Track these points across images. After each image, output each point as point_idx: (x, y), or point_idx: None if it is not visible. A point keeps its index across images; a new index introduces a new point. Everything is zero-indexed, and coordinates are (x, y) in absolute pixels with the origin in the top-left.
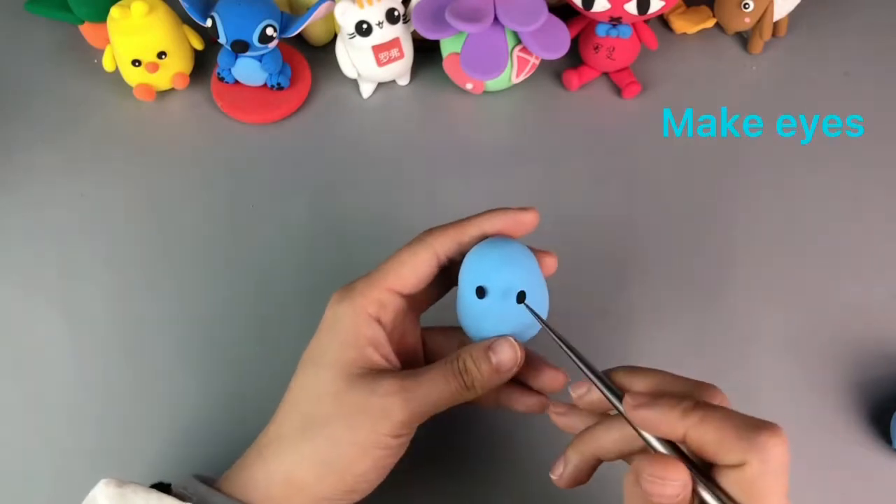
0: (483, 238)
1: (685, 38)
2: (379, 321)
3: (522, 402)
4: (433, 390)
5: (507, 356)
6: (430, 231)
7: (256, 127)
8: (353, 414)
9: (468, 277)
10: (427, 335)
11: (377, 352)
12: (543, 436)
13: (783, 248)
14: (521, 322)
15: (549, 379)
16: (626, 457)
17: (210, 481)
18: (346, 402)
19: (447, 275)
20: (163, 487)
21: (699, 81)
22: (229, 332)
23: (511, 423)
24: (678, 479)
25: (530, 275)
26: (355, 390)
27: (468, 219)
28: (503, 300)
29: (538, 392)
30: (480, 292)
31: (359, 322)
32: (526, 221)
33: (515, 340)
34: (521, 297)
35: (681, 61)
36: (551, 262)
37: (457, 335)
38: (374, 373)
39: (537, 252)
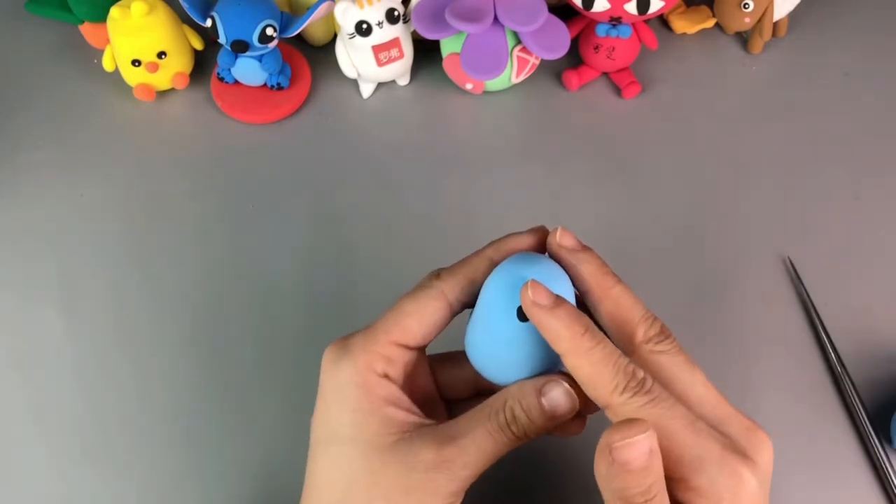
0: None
1: (685, 38)
2: (388, 377)
3: (562, 427)
4: (479, 453)
5: (562, 401)
6: (439, 274)
7: (256, 127)
8: (396, 498)
9: (504, 296)
10: (435, 366)
11: (399, 409)
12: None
13: (783, 248)
14: None
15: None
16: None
17: None
18: (384, 486)
19: None
20: None
21: (699, 81)
22: (230, 331)
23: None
24: (643, 429)
25: (572, 293)
26: (390, 468)
27: (476, 254)
28: None
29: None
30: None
31: (368, 384)
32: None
33: (566, 382)
34: None
35: (681, 61)
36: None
37: (467, 363)
38: (405, 440)
39: None
